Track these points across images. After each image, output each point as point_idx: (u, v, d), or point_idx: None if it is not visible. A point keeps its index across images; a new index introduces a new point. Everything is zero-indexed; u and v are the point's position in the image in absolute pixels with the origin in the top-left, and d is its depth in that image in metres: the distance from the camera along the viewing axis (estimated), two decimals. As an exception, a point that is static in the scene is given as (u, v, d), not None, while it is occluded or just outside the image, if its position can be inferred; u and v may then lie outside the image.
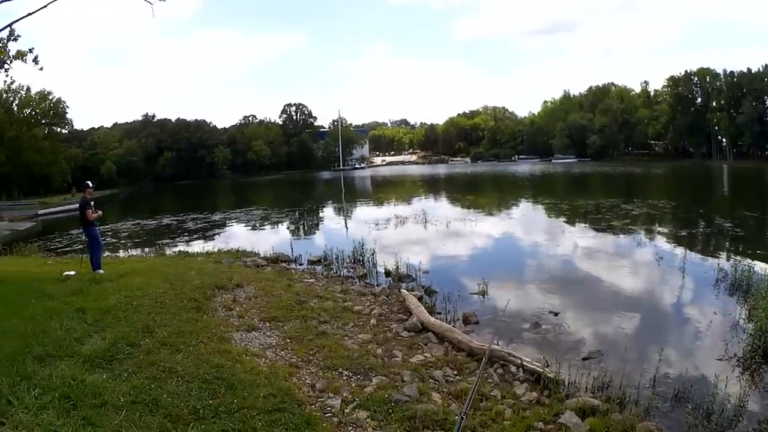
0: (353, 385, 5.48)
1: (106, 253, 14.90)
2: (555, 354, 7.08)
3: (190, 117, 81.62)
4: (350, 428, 4.44)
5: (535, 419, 5.05)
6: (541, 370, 6.21)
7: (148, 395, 4.26)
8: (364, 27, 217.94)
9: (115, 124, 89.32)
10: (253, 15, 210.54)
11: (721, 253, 14.78)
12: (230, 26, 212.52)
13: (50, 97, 59.26)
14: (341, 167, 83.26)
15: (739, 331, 8.13)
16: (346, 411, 4.75)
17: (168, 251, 17.03)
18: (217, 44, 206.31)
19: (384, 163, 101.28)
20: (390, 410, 4.76)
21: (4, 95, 55.56)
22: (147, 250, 18.28)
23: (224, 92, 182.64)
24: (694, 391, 6.01)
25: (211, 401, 4.33)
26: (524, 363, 6.45)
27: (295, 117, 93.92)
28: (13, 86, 54.72)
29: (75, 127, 72.20)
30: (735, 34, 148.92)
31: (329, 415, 4.64)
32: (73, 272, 10.08)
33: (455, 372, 6.33)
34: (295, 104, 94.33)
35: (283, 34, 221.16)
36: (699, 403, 5.73)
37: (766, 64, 74.02)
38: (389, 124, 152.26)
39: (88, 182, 10.81)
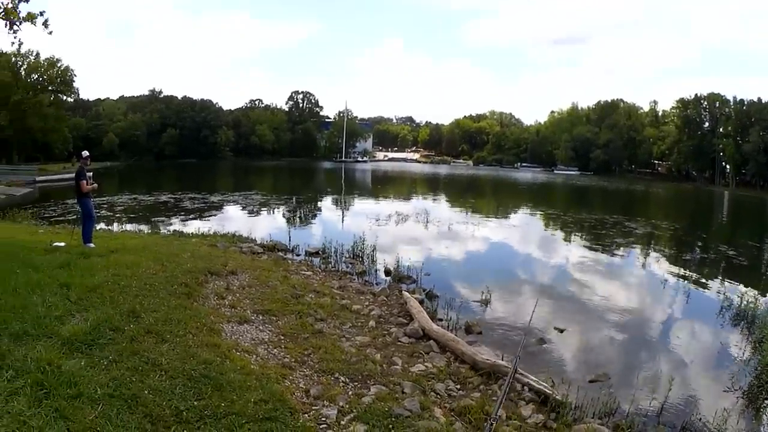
0: (350, 393, 5.11)
1: (100, 226, 14.54)
2: (561, 374, 6.92)
3: (196, 96, 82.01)
4: (347, 443, 4.02)
5: (543, 445, 4.69)
6: (549, 392, 5.92)
7: (127, 389, 3.91)
8: (379, 20, 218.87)
9: (121, 97, 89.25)
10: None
11: (724, 280, 14.60)
12: (244, 8, 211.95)
13: (59, 65, 58.65)
14: (343, 159, 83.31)
15: (744, 363, 8.01)
16: (342, 423, 4.37)
17: (163, 230, 16.62)
18: (229, 25, 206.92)
19: (386, 158, 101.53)
20: (390, 425, 4.38)
21: (13, 59, 54.75)
22: (141, 226, 17.86)
23: (232, 74, 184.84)
24: (702, 425, 5.80)
25: (196, 402, 3.99)
26: (531, 382, 6.13)
27: (301, 105, 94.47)
28: (22, 50, 53.89)
29: (81, 97, 71.95)
30: (746, 61, 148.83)
31: (324, 426, 4.26)
32: (63, 243, 9.72)
33: (458, 386, 5.98)
34: (302, 92, 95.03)
35: (297, 20, 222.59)
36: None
37: (777, 95, 74.33)
38: (395, 121, 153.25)
39: (86, 152, 10.51)
